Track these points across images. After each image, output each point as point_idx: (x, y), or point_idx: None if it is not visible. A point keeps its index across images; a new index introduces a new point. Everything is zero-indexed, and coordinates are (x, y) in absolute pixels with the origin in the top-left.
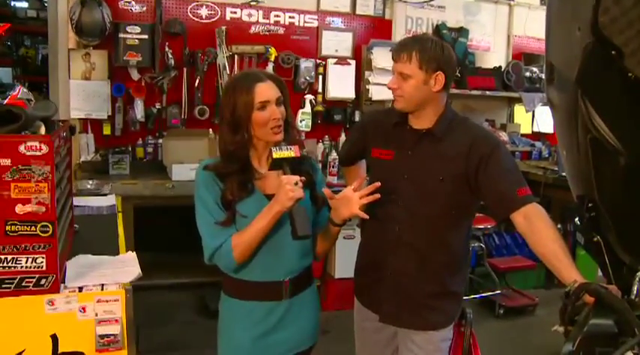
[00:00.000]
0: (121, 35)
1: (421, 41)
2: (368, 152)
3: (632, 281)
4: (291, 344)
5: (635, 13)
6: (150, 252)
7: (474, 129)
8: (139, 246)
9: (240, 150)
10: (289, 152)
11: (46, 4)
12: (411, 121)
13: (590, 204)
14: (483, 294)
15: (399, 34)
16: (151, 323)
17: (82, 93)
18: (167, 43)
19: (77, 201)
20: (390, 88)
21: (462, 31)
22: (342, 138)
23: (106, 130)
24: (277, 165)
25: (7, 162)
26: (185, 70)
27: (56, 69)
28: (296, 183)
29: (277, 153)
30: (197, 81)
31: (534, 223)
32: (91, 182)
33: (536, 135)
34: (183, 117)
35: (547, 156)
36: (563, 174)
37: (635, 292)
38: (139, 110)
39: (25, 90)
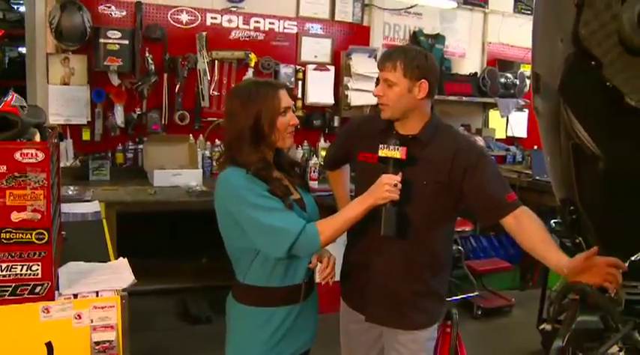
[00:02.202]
0: (101, 40)
1: (406, 51)
2: (354, 156)
3: None
4: (296, 347)
5: (612, 26)
6: (130, 258)
7: (458, 137)
8: (120, 252)
9: (266, 156)
10: (396, 152)
11: (12, 6)
12: (398, 127)
13: (572, 207)
14: (462, 296)
15: (376, 41)
16: (131, 329)
17: (60, 98)
18: (147, 49)
19: (62, 207)
20: (375, 95)
21: (439, 38)
22: (322, 143)
23: (86, 136)
24: (383, 162)
25: (3, 169)
26: (165, 75)
27: (34, 73)
28: (395, 185)
29: (383, 152)
30: (177, 86)
31: (522, 221)
32: (72, 188)
33: (510, 140)
34: (163, 122)
35: (521, 160)
36: (537, 177)
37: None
38: (119, 115)
39: (18, 96)
